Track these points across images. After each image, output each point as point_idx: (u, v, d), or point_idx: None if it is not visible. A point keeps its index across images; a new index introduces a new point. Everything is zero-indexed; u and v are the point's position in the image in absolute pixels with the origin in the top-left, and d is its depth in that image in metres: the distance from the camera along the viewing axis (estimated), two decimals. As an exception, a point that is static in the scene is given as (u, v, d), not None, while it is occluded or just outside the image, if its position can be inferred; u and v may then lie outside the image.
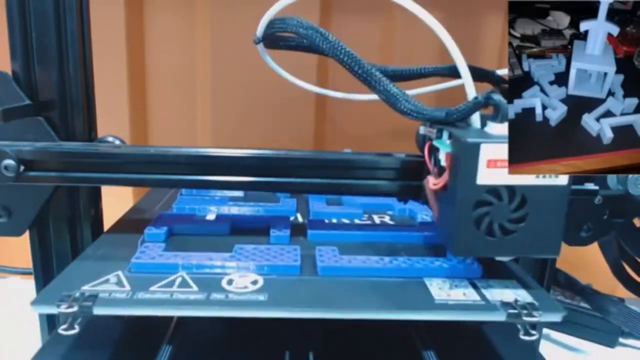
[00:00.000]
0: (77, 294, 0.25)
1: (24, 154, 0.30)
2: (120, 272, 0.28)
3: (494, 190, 0.25)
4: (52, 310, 0.24)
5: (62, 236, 0.36)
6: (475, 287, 0.28)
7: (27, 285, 0.43)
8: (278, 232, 0.33)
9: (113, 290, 0.26)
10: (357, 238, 0.33)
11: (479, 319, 0.25)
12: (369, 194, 0.32)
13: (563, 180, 0.25)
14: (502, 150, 0.24)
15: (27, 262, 0.36)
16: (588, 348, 0.48)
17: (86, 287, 0.26)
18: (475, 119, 0.27)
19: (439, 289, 0.27)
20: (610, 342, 0.48)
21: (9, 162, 0.30)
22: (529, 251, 0.26)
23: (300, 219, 0.38)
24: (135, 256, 0.29)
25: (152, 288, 0.26)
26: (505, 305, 0.26)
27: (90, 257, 0.30)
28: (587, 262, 0.51)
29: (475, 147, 0.24)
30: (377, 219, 0.38)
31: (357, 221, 0.37)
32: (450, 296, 0.26)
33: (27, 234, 0.35)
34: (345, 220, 0.37)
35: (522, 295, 0.27)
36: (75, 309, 0.24)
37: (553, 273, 0.39)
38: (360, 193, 0.32)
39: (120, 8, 0.52)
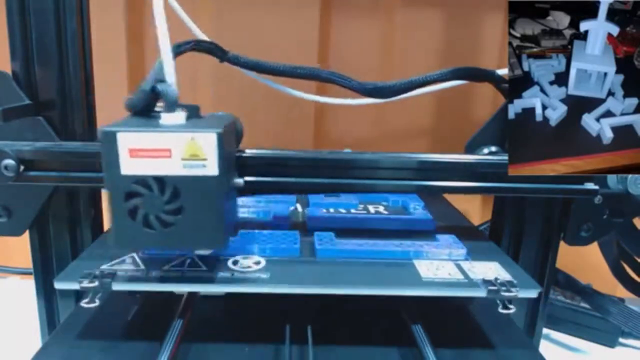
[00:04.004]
0: (97, 272, 0.27)
1: (24, 154, 0.30)
2: (135, 254, 0.29)
3: (142, 181, 0.24)
4: (75, 285, 0.26)
5: (62, 236, 0.36)
6: (460, 267, 0.29)
7: (27, 285, 0.43)
8: (280, 220, 0.35)
9: (129, 269, 0.28)
10: (352, 225, 0.35)
11: (461, 294, 0.27)
12: (368, 193, 0.32)
13: (213, 170, 0.24)
14: (143, 140, 0.24)
15: (27, 262, 0.36)
16: (588, 348, 0.48)
17: (105, 267, 0.28)
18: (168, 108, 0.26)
19: (427, 269, 0.29)
20: (610, 342, 0.48)
21: (9, 161, 0.30)
22: (191, 244, 0.26)
23: (299, 208, 0.39)
24: None
25: (165, 267, 0.28)
26: (486, 282, 0.27)
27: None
28: (587, 262, 0.51)
29: (112, 136, 0.23)
30: (372, 209, 0.39)
31: (353, 211, 0.38)
32: (436, 275, 0.28)
33: (27, 234, 0.35)
34: (342, 210, 0.38)
35: (502, 275, 0.29)
36: (96, 284, 0.26)
37: (553, 273, 0.39)
38: (360, 192, 0.32)
39: (120, 8, 0.52)
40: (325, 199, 0.40)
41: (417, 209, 0.39)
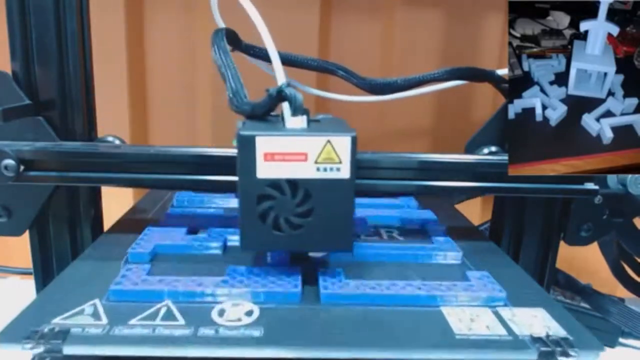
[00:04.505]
0: (46, 329, 0.22)
1: (24, 154, 0.30)
2: (97, 301, 0.25)
3: (275, 184, 0.24)
4: (17, 348, 0.21)
5: (62, 236, 0.36)
6: (499, 317, 0.25)
7: (27, 285, 0.43)
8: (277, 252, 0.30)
9: (87, 324, 0.23)
10: (364, 258, 0.31)
11: (507, 358, 0.22)
12: (369, 193, 0.32)
13: (345, 174, 0.24)
14: (279, 144, 0.24)
15: (27, 262, 0.36)
16: (588, 348, 0.48)
17: (57, 320, 0.23)
18: (287, 112, 0.26)
19: (459, 321, 0.24)
20: (610, 342, 0.48)
21: (9, 161, 0.30)
22: (319, 246, 0.26)
23: None
24: (115, 281, 0.26)
25: (132, 321, 0.23)
26: (536, 340, 0.22)
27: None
28: (587, 262, 0.51)
29: (250, 140, 0.24)
30: (384, 235, 0.35)
31: (363, 237, 0.34)
32: (471, 330, 0.23)
33: (27, 234, 0.35)
34: None
35: (553, 328, 0.24)
36: (41, 349, 0.21)
37: (553, 273, 0.39)
38: (360, 192, 0.32)
39: (120, 8, 0.52)
40: None
41: (437, 232, 0.34)
